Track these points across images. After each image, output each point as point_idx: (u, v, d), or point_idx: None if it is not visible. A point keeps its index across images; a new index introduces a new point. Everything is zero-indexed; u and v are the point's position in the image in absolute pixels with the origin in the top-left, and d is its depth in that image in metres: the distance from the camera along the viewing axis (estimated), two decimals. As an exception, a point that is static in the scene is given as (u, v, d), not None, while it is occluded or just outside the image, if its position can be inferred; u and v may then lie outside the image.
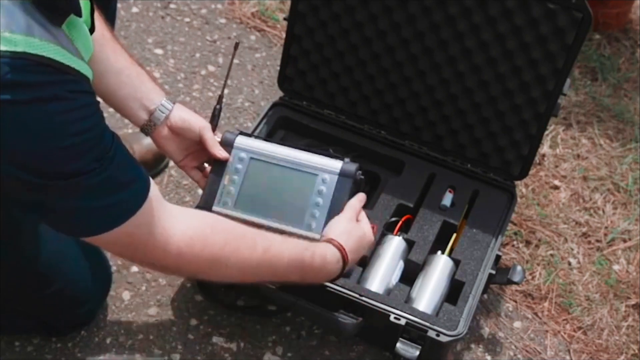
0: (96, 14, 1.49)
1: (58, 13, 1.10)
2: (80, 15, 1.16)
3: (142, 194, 1.21)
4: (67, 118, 1.08)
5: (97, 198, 1.16)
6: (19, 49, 1.02)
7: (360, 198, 1.60)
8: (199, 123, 1.58)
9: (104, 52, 1.49)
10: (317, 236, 1.53)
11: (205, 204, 1.58)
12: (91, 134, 1.12)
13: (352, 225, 1.54)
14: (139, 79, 1.54)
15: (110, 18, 1.66)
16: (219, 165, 1.59)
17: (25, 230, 1.48)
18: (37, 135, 1.06)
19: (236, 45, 1.68)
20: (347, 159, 1.56)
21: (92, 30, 1.28)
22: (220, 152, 1.58)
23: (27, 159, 1.08)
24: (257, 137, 1.66)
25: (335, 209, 1.54)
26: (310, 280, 1.47)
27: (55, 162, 1.10)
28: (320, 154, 1.59)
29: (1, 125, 1.03)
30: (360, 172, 1.54)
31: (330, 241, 1.49)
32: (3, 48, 1.01)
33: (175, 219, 1.27)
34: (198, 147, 1.60)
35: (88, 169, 1.12)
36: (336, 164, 1.55)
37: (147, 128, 1.56)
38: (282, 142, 1.61)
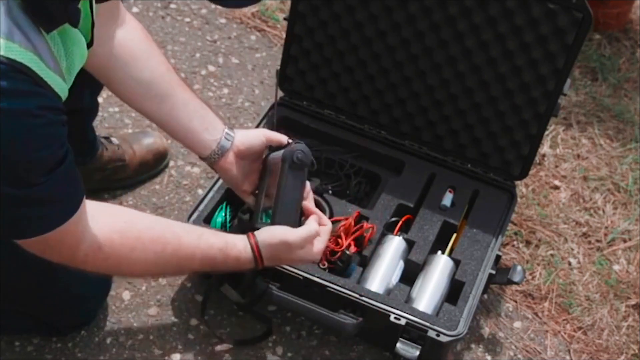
0: (155, 47, 1.53)
1: (50, 20, 1.09)
2: (76, 26, 1.15)
3: (72, 210, 1.23)
4: (31, 135, 1.07)
5: (31, 209, 1.17)
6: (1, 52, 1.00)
7: (311, 231, 1.53)
8: (260, 133, 1.62)
9: (172, 87, 1.53)
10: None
11: (253, 221, 1.61)
12: (49, 150, 1.12)
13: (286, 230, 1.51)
14: (203, 110, 1.58)
15: None
16: (260, 179, 1.63)
17: None
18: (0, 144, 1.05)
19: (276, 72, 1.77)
20: (295, 142, 1.54)
21: (90, 44, 1.27)
22: (284, 138, 1.62)
23: None
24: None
25: (282, 200, 1.51)
26: (222, 271, 1.52)
27: (10, 172, 1.09)
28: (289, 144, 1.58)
29: None
30: (299, 154, 1.50)
31: (250, 236, 1.48)
32: None
33: (88, 228, 1.29)
34: (257, 166, 1.63)
35: (36, 182, 1.13)
36: (282, 152, 1.54)
37: (214, 157, 1.58)
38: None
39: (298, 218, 1.53)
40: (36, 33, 1.07)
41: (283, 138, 1.61)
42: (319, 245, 1.53)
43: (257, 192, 1.63)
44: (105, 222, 1.33)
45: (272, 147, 1.61)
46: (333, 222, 1.72)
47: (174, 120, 1.55)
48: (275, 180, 1.54)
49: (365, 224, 1.72)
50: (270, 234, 1.50)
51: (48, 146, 1.12)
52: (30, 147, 1.09)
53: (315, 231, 1.52)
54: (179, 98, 1.55)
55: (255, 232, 1.49)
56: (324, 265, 1.66)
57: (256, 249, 1.48)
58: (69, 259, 1.31)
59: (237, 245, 1.47)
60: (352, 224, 1.71)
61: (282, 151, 1.55)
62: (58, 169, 1.15)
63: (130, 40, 1.48)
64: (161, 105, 1.54)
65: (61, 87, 1.13)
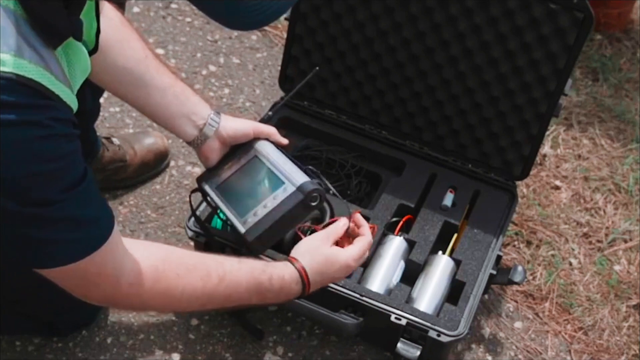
0: (135, 33, 1.50)
1: (56, 36, 1.09)
2: (80, 39, 1.14)
3: (104, 235, 1.19)
4: (43, 145, 1.06)
5: (58, 231, 1.14)
6: (7, 69, 1.00)
7: (343, 222, 1.52)
8: (249, 125, 1.60)
9: (149, 73, 1.50)
10: (241, 229, 1.47)
11: (201, 179, 1.60)
12: (63, 162, 1.10)
13: (320, 245, 1.47)
14: (184, 95, 1.55)
15: None
16: (232, 154, 1.60)
17: None
18: (12, 158, 1.04)
19: (316, 70, 1.73)
20: (315, 180, 1.50)
21: (94, 51, 1.27)
22: (281, 139, 1.61)
23: (2, 176, 1.05)
24: (277, 147, 1.63)
25: (274, 216, 1.46)
26: (271, 301, 1.44)
27: (25, 187, 1.07)
28: (305, 171, 1.54)
29: None
30: (316, 195, 1.46)
31: (290, 259, 1.44)
32: None
33: (127, 255, 1.26)
34: None
35: (55, 199, 1.10)
36: (301, 179, 1.49)
37: (198, 142, 1.56)
38: (291, 157, 1.60)
39: (271, 243, 1.51)
40: (45, 48, 1.07)
41: (272, 132, 1.59)
42: (352, 247, 1.50)
43: (222, 163, 1.59)
44: (143, 251, 1.28)
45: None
46: (332, 222, 1.72)
47: (152, 106, 1.53)
48: (256, 179, 1.53)
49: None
50: (297, 246, 1.47)
51: (61, 158, 1.10)
52: (42, 158, 1.07)
53: (364, 249, 1.50)
54: (157, 84, 1.51)
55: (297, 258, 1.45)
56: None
57: (297, 264, 1.43)
58: (111, 292, 1.24)
59: (277, 265, 1.42)
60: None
61: (274, 150, 1.55)
62: (78, 187, 1.12)
63: (105, 29, 1.45)
64: (138, 91, 1.52)
65: (72, 99, 1.12)
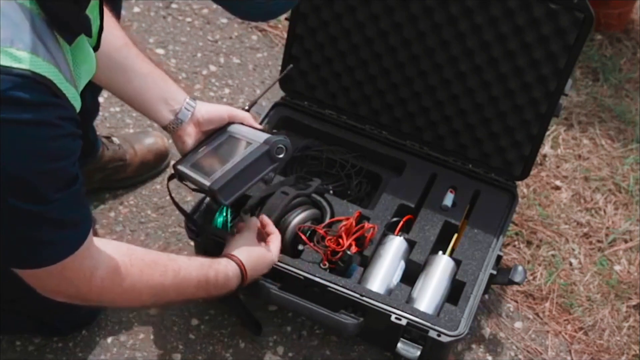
0: (115, 22, 1.51)
1: (70, 32, 1.11)
2: (90, 35, 1.16)
3: (86, 232, 1.22)
4: (52, 144, 1.08)
5: (46, 231, 1.15)
6: (24, 66, 1.02)
7: (263, 221, 1.62)
8: (224, 109, 1.64)
9: (130, 59, 1.53)
10: (207, 183, 1.50)
11: (177, 163, 1.63)
12: (65, 162, 1.12)
13: (253, 244, 1.56)
14: (162, 81, 1.58)
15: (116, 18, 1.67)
16: (206, 139, 1.63)
17: None
18: (21, 155, 1.05)
19: (290, 68, 1.78)
20: (282, 137, 1.54)
21: (95, 49, 1.28)
22: (255, 123, 1.65)
23: (3, 174, 1.06)
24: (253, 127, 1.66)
25: (239, 167, 1.50)
26: (213, 295, 1.49)
27: (28, 184, 1.08)
28: (273, 134, 1.58)
29: None
30: (281, 147, 1.50)
31: (230, 257, 1.51)
32: (7, 63, 1.00)
33: (100, 253, 1.29)
34: None
35: (51, 198, 1.11)
36: (267, 136, 1.54)
37: (173, 126, 1.59)
38: (266, 130, 1.62)
39: (238, 195, 1.53)
40: (56, 46, 1.09)
41: (246, 116, 1.63)
42: (273, 240, 1.60)
43: (197, 147, 1.62)
44: (111, 249, 1.32)
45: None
46: (334, 222, 1.72)
47: (131, 91, 1.55)
48: (228, 151, 1.55)
49: (366, 224, 1.72)
50: (231, 244, 1.55)
51: (65, 157, 1.12)
52: (49, 157, 1.09)
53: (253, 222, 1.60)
54: (137, 70, 1.54)
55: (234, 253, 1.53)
56: (325, 265, 1.66)
57: (236, 259, 1.51)
58: (85, 289, 1.28)
59: (221, 262, 1.50)
60: (354, 224, 1.71)
61: (247, 128, 1.59)
62: (72, 187, 1.14)
63: None
64: (119, 77, 1.53)
65: (77, 100, 1.14)
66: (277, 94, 2.01)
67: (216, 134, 1.62)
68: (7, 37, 1.01)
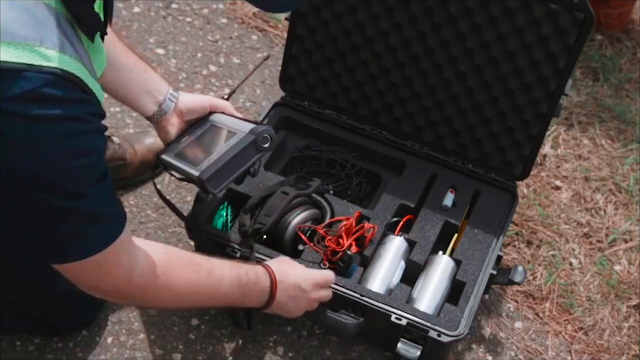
0: None
1: (91, 29, 1.15)
2: (105, 32, 1.19)
3: (121, 225, 1.25)
4: (81, 140, 1.11)
5: (81, 225, 1.17)
6: (53, 64, 1.04)
7: (327, 277, 1.60)
8: (206, 98, 1.67)
9: (115, 52, 1.55)
10: (195, 173, 1.51)
11: (160, 153, 1.65)
12: (96, 157, 1.15)
13: (299, 273, 1.57)
14: (147, 74, 1.62)
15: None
16: (189, 128, 1.66)
17: None
18: (53, 151, 1.08)
19: (266, 57, 1.87)
20: (267, 127, 1.56)
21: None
22: (235, 112, 1.68)
23: (37, 171, 1.09)
24: (234, 116, 1.69)
25: (227, 156, 1.51)
26: (248, 296, 1.50)
27: (61, 180, 1.11)
28: (256, 123, 1.59)
29: (19, 136, 1.05)
30: (267, 136, 1.52)
31: (261, 264, 1.54)
32: (37, 62, 1.03)
33: (138, 248, 1.31)
34: None
35: (85, 193, 1.14)
36: (252, 126, 1.56)
37: (157, 117, 1.63)
38: (249, 120, 1.64)
39: (226, 184, 1.54)
40: (79, 43, 1.12)
41: (227, 105, 1.66)
42: (319, 292, 1.59)
43: (180, 136, 1.64)
44: (148, 245, 1.34)
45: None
46: (335, 222, 1.72)
47: (118, 84, 1.58)
48: (211, 140, 1.58)
49: (367, 224, 1.72)
50: (273, 262, 1.57)
51: (95, 153, 1.15)
52: (81, 153, 1.11)
53: (328, 280, 1.59)
54: (124, 64, 1.58)
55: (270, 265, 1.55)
56: (325, 265, 1.66)
57: (267, 266, 1.52)
58: (125, 285, 1.29)
59: (257, 269, 1.51)
60: (354, 224, 1.71)
61: (229, 117, 1.62)
62: (104, 181, 1.17)
63: None
64: (106, 72, 1.53)
65: (100, 94, 1.17)
66: (278, 94, 2.01)
67: (198, 123, 1.66)
68: (37, 37, 1.04)
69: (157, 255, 1.34)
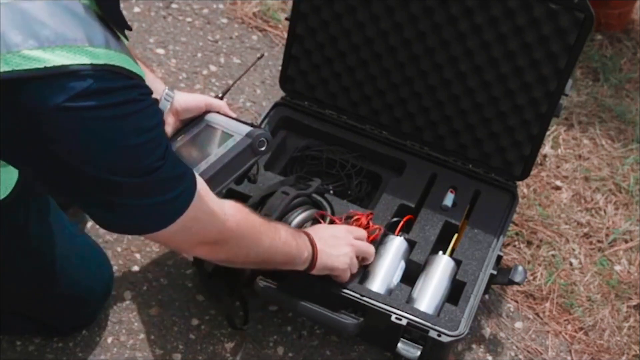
0: None
1: (122, 26, 1.19)
2: (130, 29, 1.23)
3: (195, 181, 1.30)
4: (140, 117, 1.16)
5: (165, 192, 1.23)
6: (101, 61, 1.10)
7: (362, 232, 1.67)
8: (201, 97, 1.68)
9: None
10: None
11: None
12: (157, 131, 1.20)
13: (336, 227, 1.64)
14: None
15: None
16: (184, 127, 1.67)
17: (31, 234, 1.49)
18: (116, 135, 1.14)
19: (261, 56, 1.88)
20: (262, 129, 1.59)
21: None
22: (230, 112, 1.69)
23: (106, 157, 1.15)
24: (229, 117, 1.70)
25: (223, 160, 1.54)
26: (296, 247, 1.53)
27: (130, 160, 1.17)
28: (253, 126, 1.61)
29: (83, 128, 1.11)
30: (263, 140, 1.55)
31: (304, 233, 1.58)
32: (87, 61, 1.08)
33: (218, 198, 1.38)
34: None
35: (156, 166, 1.20)
36: (249, 129, 1.58)
37: None
38: (243, 120, 1.64)
39: (222, 187, 1.56)
40: (116, 37, 1.17)
41: (222, 104, 1.68)
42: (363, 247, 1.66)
43: (175, 135, 1.65)
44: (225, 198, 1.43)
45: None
46: (347, 218, 1.73)
47: None
48: (207, 140, 1.60)
49: (372, 225, 1.72)
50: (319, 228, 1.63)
51: (156, 126, 1.20)
52: (144, 129, 1.17)
53: (362, 234, 1.67)
54: None
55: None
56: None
57: (310, 240, 1.55)
58: (221, 227, 1.36)
59: (301, 233, 1.56)
60: (364, 222, 1.71)
61: (224, 118, 1.63)
62: (168, 149, 1.23)
63: None
64: None
65: (143, 74, 1.21)
66: (278, 94, 2.01)
67: (194, 123, 1.66)
68: (84, 37, 1.10)
69: (238, 205, 1.42)
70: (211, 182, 1.50)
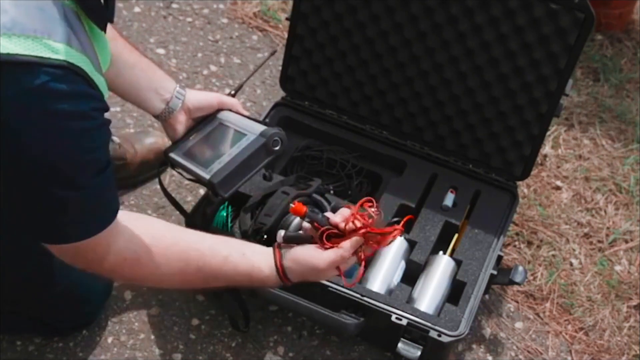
0: None
1: (102, 19, 1.17)
2: (112, 22, 1.20)
3: (116, 211, 1.26)
4: (87, 136, 1.13)
5: (83, 211, 1.20)
6: (60, 57, 1.06)
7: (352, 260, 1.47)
8: (214, 95, 1.67)
9: (118, 48, 1.54)
10: (206, 176, 1.51)
11: (168, 150, 1.65)
12: (101, 151, 1.17)
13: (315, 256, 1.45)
14: (151, 70, 1.61)
15: None
16: (196, 125, 1.66)
17: None
18: (58, 146, 1.10)
19: (273, 52, 1.88)
20: (276, 128, 1.55)
21: None
22: (243, 110, 1.67)
23: (44, 162, 1.11)
24: (240, 114, 1.68)
25: (237, 160, 1.51)
26: (254, 285, 1.47)
27: (67, 171, 1.14)
28: (266, 124, 1.59)
29: (28, 128, 1.07)
30: (277, 139, 1.52)
31: (277, 261, 1.44)
32: (45, 55, 1.05)
33: (116, 241, 1.30)
34: None
35: (88, 184, 1.17)
36: (263, 127, 1.56)
37: (165, 115, 1.61)
38: (257, 119, 1.64)
39: (236, 188, 1.53)
40: (85, 36, 1.13)
41: (235, 103, 1.65)
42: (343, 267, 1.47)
43: (187, 134, 1.64)
44: (132, 237, 1.32)
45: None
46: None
47: (122, 83, 1.57)
48: (220, 139, 1.58)
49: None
50: (296, 259, 1.44)
51: (99, 148, 1.17)
52: (86, 147, 1.14)
53: (342, 257, 1.42)
54: (126, 61, 1.56)
55: (283, 255, 1.44)
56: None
57: (282, 276, 1.44)
58: (96, 267, 1.32)
59: (264, 271, 1.43)
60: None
61: (237, 116, 1.62)
62: (105, 172, 1.19)
63: None
64: (110, 69, 1.52)
65: (105, 88, 1.18)
66: (278, 94, 2.01)
67: (206, 121, 1.65)
68: (45, 29, 1.06)
69: (138, 248, 1.33)
70: (224, 182, 1.49)
